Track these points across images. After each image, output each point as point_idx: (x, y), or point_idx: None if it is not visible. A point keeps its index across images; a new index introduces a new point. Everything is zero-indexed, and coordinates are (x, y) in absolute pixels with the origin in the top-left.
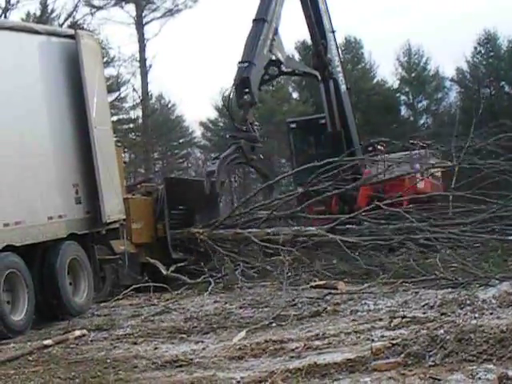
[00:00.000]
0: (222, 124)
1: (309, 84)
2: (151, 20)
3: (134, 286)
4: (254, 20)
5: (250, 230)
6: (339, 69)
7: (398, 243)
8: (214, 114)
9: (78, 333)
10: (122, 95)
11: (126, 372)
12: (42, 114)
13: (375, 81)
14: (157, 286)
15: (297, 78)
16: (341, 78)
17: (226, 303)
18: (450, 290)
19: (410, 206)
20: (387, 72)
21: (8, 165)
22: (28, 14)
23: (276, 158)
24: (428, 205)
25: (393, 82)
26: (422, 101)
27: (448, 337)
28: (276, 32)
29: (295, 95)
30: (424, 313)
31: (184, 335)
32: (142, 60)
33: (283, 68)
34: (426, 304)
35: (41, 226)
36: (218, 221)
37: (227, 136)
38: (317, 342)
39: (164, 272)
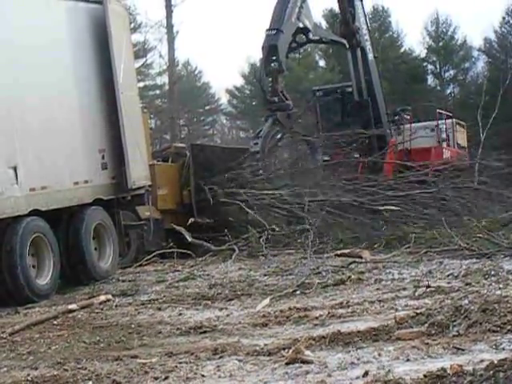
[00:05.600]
0: (248, 91)
1: (336, 52)
2: None
3: (158, 252)
4: None
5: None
6: (367, 37)
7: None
8: (240, 81)
9: (102, 298)
10: (149, 61)
11: (150, 337)
12: (68, 79)
13: (402, 50)
14: (181, 252)
15: (324, 46)
16: (368, 46)
17: (250, 270)
18: (474, 260)
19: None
20: (414, 41)
21: (35, 130)
22: None
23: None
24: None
25: (420, 51)
26: (449, 70)
27: (472, 307)
28: (304, 0)
29: (322, 63)
30: (448, 283)
31: (208, 302)
32: (169, 26)
33: (311, 36)
34: (451, 274)
35: (67, 190)
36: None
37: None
38: (341, 311)
39: (189, 239)
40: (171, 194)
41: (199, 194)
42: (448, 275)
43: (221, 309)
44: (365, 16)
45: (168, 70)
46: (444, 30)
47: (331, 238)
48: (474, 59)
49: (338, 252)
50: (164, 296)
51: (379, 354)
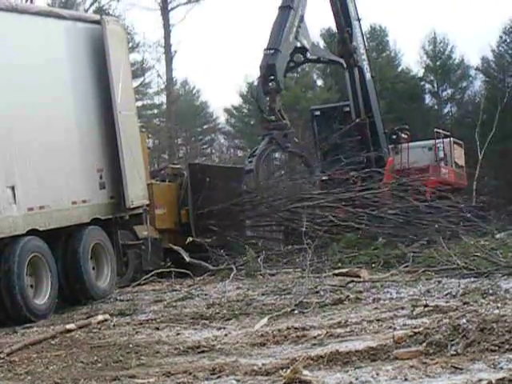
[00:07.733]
0: (246, 110)
1: (333, 71)
2: (176, 6)
3: (156, 271)
4: (280, 7)
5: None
6: (364, 56)
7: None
8: (238, 101)
9: (100, 317)
10: (147, 81)
11: (148, 357)
12: (67, 99)
13: (400, 69)
14: (179, 271)
15: (321, 65)
16: (366, 65)
17: (248, 290)
18: (472, 279)
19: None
20: (412, 60)
21: (33, 149)
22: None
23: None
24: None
25: (417, 70)
26: (447, 89)
27: (470, 326)
28: (302, 19)
29: (319, 82)
30: (446, 302)
31: (206, 321)
32: (167, 46)
33: (308, 55)
34: (449, 293)
35: (65, 210)
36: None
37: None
38: (339, 330)
39: (187, 259)
40: (169, 213)
41: (197, 213)
42: (446, 294)
43: (219, 328)
44: (362, 35)
45: (166, 90)
46: (441, 49)
47: (329, 257)
48: (471, 78)
49: (336, 271)
50: (162, 315)
51: (377, 374)
